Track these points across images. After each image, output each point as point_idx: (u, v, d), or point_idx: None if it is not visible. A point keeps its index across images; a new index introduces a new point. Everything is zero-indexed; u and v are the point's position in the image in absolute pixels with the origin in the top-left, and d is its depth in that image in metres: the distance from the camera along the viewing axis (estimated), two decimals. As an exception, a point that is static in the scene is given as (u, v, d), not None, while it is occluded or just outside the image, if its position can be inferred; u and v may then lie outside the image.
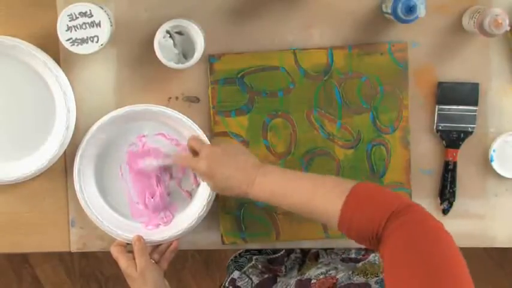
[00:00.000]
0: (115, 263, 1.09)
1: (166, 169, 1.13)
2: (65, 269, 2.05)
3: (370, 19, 1.12)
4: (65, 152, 1.13)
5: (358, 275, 1.02)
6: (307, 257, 1.24)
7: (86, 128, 1.12)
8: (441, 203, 1.15)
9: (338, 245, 1.17)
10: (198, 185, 1.13)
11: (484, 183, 1.15)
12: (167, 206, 1.14)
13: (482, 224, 1.15)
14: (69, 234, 1.15)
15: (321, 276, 1.05)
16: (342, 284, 0.98)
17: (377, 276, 1.01)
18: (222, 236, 1.15)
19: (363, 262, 1.11)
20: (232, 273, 1.22)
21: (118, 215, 1.14)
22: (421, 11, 1.01)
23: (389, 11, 1.05)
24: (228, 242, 1.15)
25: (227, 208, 1.14)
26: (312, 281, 1.03)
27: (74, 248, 1.16)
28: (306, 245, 1.17)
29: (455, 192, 1.14)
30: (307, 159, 1.14)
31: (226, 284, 1.20)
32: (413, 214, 0.82)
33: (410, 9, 1.01)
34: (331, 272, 1.07)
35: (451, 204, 1.14)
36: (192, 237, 1.15)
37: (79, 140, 1.11)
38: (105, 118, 1.10)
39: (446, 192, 1.14)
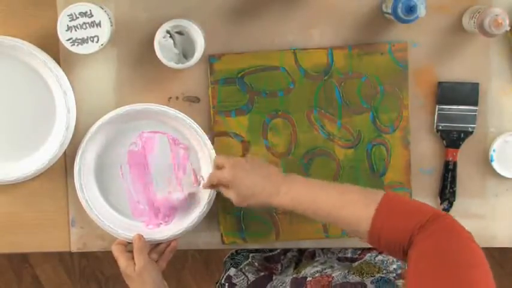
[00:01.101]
0: (115, 263, 1.09)
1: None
2: (65, 269, 2.05)
3: (370, 19, 1.12)
4: (65, 152, 1.13)
5: (353, 274, 1.02)
6: (304, 256, 1.24)
7: (86, 128, 1.12)
8: (441, 203, 1.15)
9: (338, 245, 1.17)
10: (198, 184, 1.13)
11: (484, 183, 1.15)
12: (167, 205, 1.14)
13: (482, 224, 1.15)
14: (69, 234, 1.15)
15: (317, 275, 1.05)
16: (337, 283, 0.98)
17: (373, 276, 1.01)
18: (222, 236, 1.15)
19: (359, 262, 1.11)
20: (228, 270, 1.22)
21: (119, 215, 1.14)
22: (421, 11, 1.01)
23: (389, 11, 1.05)
24: (228, 242, 1.15)
25: (227, 208, 1.14)
26: (308, 279, 1.03)
27: (74, 248, 1.16)
28: (306, 245, 1.17)
29: (455, 192, 1.14)
30: (307, 159, 1.14)
31: (223, 281, 1.20)
32: (443, 223, 0.83)
33: (411, 9, 1.01)
34: (327, 270, 1.07)
35: (451, 204, 1.14)
36: (192, 237, 1.15)
37: (79, 140, 1.11)
38: (105, 118, 1.10)
39: (447, 192, 1.14)
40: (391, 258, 1.10)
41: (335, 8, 1.12)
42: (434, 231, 0.82)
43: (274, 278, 1.17)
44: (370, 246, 0.91)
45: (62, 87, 1.09)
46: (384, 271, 1.05)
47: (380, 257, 1.11)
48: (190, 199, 1.14)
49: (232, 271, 1.21)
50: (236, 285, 1.18)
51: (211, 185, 1.06)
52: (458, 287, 0.73)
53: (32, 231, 1.16)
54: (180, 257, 2.00)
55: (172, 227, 1.13)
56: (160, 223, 1.14)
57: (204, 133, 1.10)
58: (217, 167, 1.06)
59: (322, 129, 1.14)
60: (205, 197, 1.11)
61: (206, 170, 1.12)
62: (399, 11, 1.02)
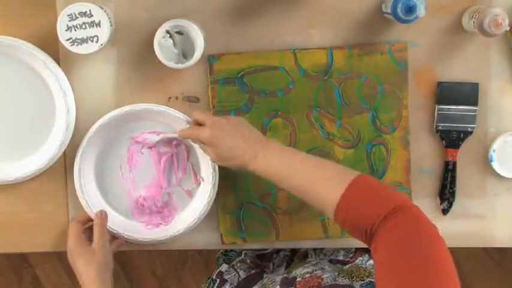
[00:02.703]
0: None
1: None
2: (65, 269, 2.05)
3: (370, 19, 1.12)
4: (65, 152, 1.13)
5: (343, 277, 1.02)
6: (296, 256, 1.24)
7: (86, 128, 1.12)
8: (441, 203, 1.15)
9: (338, 246, 1.17)
10: (198, 184, 1.13)
11: (484, 183, 1.15)
12: (168, 205, 1.14)
13: (482, 224, 1.15)
14: (69, 234, 1.16)
15: (307, 276, 1.05)
16: (327, 284, 0.97)
17: (362, 280, 1.00)
18: (222, 236, 1.15)
19: (350, 265, 1.11)
20: (220, 266, 1.22)
21: (118, 215, 1.14)
22: (421, 11, 1.01)
23: (389, 11, 1.05)
24: (228, 242, 1.15)
25: (227, 208, 1.14)
26: (297, 279, 1.03)
27: (74, 248, 1.16)
28: (306, 245, 1.17)
29: (455, 192, 1.14)
30: (307, 159, 1.14)
31: (214, 277, 1.20)
32: (409, 215, 0.82)
33: (410, 9, 1.01)
34: (317, 272, 1.06)
35: (450, 204, 1.14)
36: (192, 237, 1.15)
37: (79, 140, 1.11)
38: (105, 118, 1.10)
39: (446, 192, 1.14)
40: None
41: (335, 8, 1.12)
42: (399, 223, 0.81)
43: (265, 276, 1.17)
44: (364, 246, 0.90)
45: (61, 87, 1.09)
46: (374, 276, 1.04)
47: (371, 262, 1.10)
48: (190, 199, 1.14)
49: (224, 267, 1.21)
50: (227, 281, 1.17)
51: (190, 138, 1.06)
52: (423, 279, 0.73)
53: (32, 231, 1.16)
54: (180, 257, 1.99)
55: (172, 227, 1.13)
56: (160, 223, 1.14)
57: (204, 133, 1.10)
58: (196, 122, 1.04)
59: (322, 129, 1.14)
60: (205, 196, 1.11)
61: (206, 170, 1.12)
62: (399, 11, 1.02)
